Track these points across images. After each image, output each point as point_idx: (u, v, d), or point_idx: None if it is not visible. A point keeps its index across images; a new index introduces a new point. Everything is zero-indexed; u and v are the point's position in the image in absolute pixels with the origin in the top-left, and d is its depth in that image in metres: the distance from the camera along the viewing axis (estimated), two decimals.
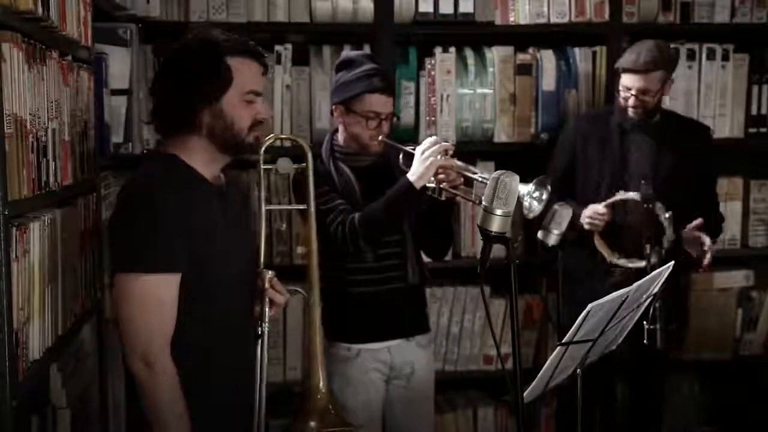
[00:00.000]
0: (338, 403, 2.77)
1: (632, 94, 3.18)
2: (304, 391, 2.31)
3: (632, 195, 3.11)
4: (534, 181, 2.49)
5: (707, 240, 3.11)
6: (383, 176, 2.75)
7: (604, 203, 3.15)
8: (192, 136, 2.11)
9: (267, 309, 2.21)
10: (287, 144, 3.49)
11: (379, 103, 2.77)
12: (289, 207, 2.46)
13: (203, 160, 2.13)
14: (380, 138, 2.78)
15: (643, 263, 3.04)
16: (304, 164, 2.39)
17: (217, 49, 2.09)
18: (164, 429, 2.01)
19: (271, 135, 2.44)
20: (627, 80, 3.19)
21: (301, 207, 2.39)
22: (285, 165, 2.38)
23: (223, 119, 2.09)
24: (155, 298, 2.00)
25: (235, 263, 2.14)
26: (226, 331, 2.12)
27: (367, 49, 3.49)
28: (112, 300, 2.08)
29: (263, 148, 2.34)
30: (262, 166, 2.35)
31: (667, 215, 3.03)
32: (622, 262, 3.19)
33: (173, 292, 2.03)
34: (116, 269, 2.05)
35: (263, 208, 2.33)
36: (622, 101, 3.23)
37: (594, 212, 3.15)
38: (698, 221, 3.11)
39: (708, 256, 3.11)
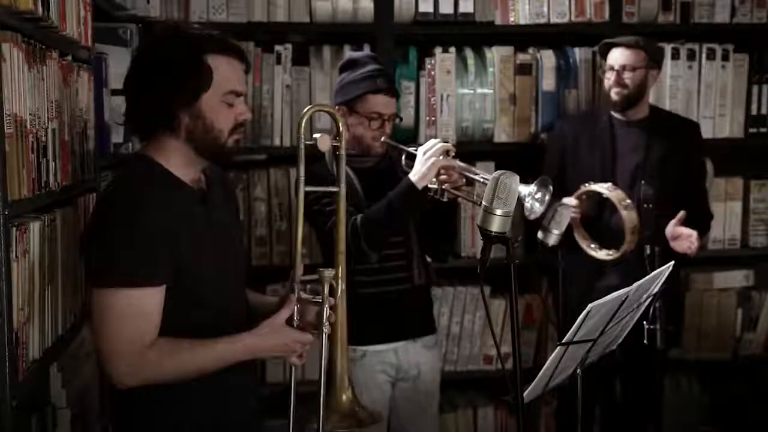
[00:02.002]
0: None
1: (615, 70, 3.26)
2: (328, 388, 2.20)
3: (597, 187, 3.13)
4: (536, 182, 2.49)
5: (690, 232, 3.12)
6: (386, 178, 2.75)
7: (574, 195, 3.18)
8: (170, 138, 2.01)
9: (326, 320, 2.09)
10: (287, 144, 3.52)
11: (382, 104, 2.77)
12: (326, 189, 2.33)
13: (181, 163, 2.03)
14: (383, 139, 2.78)
15: (616, 254, 3.11)
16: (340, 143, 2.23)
17: (197, 46, 1.98)
18: (196, 373, 1.98)
19: (311, 106, 2.28)
20: (611, 57, 3.30)
21: (334, 189, 2.23)
22: (325, 141, 2.21)
23: (202, 121, 1.99)
24: (135, 311, 1.92)
25: (221, 266, 2.07)
26: (215, 333, 2.02)
27: (367, 49, 3.49)
28: (91, 313, 1.98)
29: (303, 122, 2.17)
30: (303, 143, 2.17)
31: (646, 205, 3.06)
32: (601, 254, 3.22)
33: (155, 303, 1.95)
34: (94, 283, 1.96)
35: (302, 189, 2.16)
36: (606, 83, 3.31)
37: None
38: (680, 215, 3.13)
39: (693, 247, 3.12)
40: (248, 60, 2.11)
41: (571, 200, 3.18)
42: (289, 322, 2.08)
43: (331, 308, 2.12)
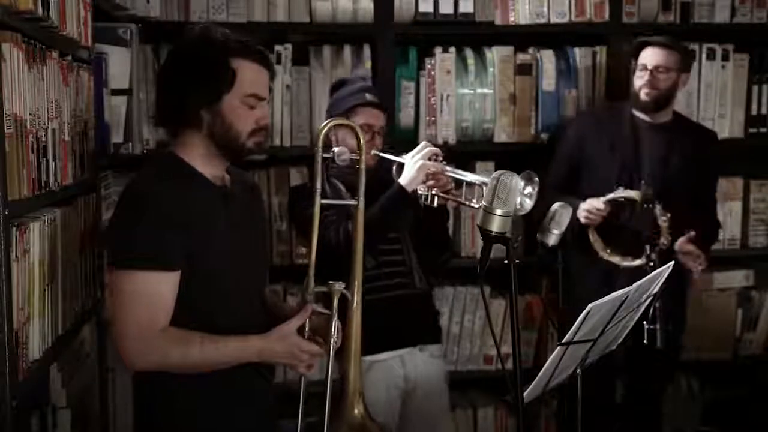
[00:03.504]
0: None
1: (648, 70, 3.23)
2: (342, 395, 2.22)
3: (634, 193, 3.11)
4: (519, 176, 2.49)
5: (699, 253, 3.12)
6: (376, 191, 2.74)
7: (603, 199, 3.15)
8: (193, 132, 2.08)
9: (334, 334, 2.13)
10: (287, 144, 3.52)
11: (371, 116, 2.82)
12: (343, 202, 2.35)
13: (203, 158, 2.10)
14: (372, 152, 2.79)
15: (637, 262, 3.05)
16: (358, 157, 2.27)
17: (223, 49, 2.06)
18: (203, 366, 2.02)
19: (330, 120, 2.33)
20: (645, 56, 3.26)
21: (353, 203, 2.29)
22: (345, 155, 2.27)
23: (222, 120, 2.06)
24: (148, 294, 1.97)
25: (240, 263, 2.10)
26: (229, 327, 2.06)
27: (366, 49, 3.52)
28: (108, 296, 2.07)
29: (323, 134, 2.22)
30: (321, 155, 2.22)
31: (664, 218, 3.04)
32: (617, 259, 3.19)
33: (168, 288, 2.00)
34: (111, 265, 2.04)
35: (318, 202, 2.21)
36: (637, 82, 3.27)
37: (592, 207, 3.15)
38: (691, 234, 3.12)
39: (698, 270, 3.14)
40: (273, 67, 2.17)
41: (599, 203, 3.15)
42: (300, 331, 2.10)
43: (344, 321, 2.14)
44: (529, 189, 2.48)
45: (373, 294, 2.76)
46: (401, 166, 2.73)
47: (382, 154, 2.82)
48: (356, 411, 2.20)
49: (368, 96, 2.84)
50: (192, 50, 2.09)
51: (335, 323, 2.13)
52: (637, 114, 3.33)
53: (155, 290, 1.98)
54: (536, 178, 2.47)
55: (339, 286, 2.14)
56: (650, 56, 3.25)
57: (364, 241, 2.60)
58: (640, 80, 3.26)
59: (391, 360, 2.85)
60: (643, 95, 3.25)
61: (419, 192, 2.66)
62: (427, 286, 2.91)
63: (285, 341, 2.08)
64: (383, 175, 2.82)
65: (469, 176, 2.59)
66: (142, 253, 1.97)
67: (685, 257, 3.13)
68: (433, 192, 2.67)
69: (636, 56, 3.31)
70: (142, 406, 2.13)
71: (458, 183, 2.68)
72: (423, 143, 2.73)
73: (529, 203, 2.49)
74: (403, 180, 2.65)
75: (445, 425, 3.01)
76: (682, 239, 3.12)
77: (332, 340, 2.12)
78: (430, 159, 2.65)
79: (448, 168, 2.66)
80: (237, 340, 2.04)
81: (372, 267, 2.73)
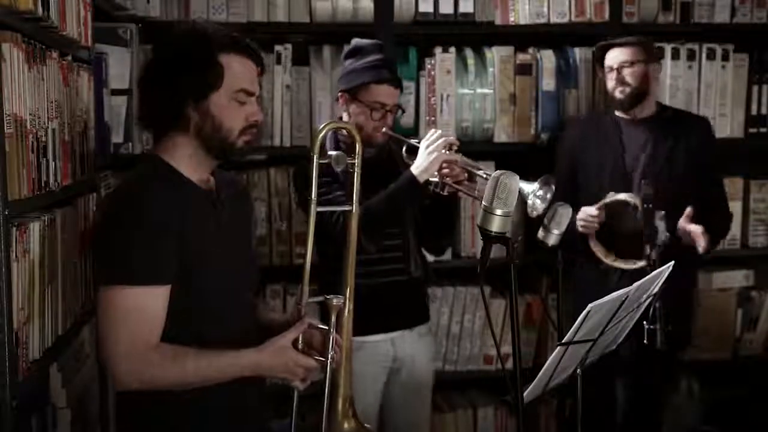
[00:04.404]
0: None
1: (616, 69, 3.26)
2: (331, 406, 2.18)
3: (624, 196, 3.10)
4: (539, 180, 2.49)
5: (696, 228, 3.05)
6: (385, 169, 2.73)
7: (596, 205, 3.14)
8: (179, 134, 2.00)
9: (331, 350, 2.08)
10: (287, 144, 3.52)
11: (385, 93, 2.76)
12: (337, 208, 2.31)
13: (190, 161, 2.01)
14: (384, 130, 2.76)
15: (640, 263, 3.04)
16: (355, 160, 2.23)
17: (210, 44, 1.97)
18: (197, 383, 1.96)
19: (327, 123, 2.25)
20: (609, 58, 3.30)
21: (347, 209, 2.24)
22: (340, 159, 2.20)
23: (211, 119, 1.97)
24: (140, 310, 1.89)
25: (228, 267, 2.04)
26: (219, 337, 2.00)
27: None
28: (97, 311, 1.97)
29: (319, 139, 2.15)
30: (317, 161, 2.14)
31: (660, 214, 3.03)
32: (619, 263, 3.18)
33: (160, 304, 1.92)
34: (100, 282, 1.95)
35: (313, 210, 2.15)
36: (609, 84, 3.29)
37: (587, 215, 3.14)
38: (687, 211, 3.07)
39: (701, 240, 3.04)
40: (264, 63, 2.09)
41: (592, 210, 3.13)
42: (293, 343, 2.05)
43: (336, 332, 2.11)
44: (542, 192, 2.48)
45: (369, 278, 2.74)
46: (411, 147, 2.71)
47: (393, 134, 2.78)
48: (347, 425, 2.17)
49: (384, 73, 2.76)
50: (176, 46, 2.00)
51: (333, 338, 2.09)
52: (618, 114, 3.34)
53: (148, 306, 1.91)
54: (553, 185, 2.48)
55: (337, 300, 2.11)
56: (612, 57, 3.29)
57: (369, 230, 2.59)
58: (611, 82, 3.29)
59: (382, 342, 2.85)
60: (618, 94, 3.27)
61: (429, 179, 2.62)
62: (423, 272, 2.90)
63: (280, 355, 2.02)
64: (393, 155, 2.79)
65: (483, 170, 2.57)
66: (135, 268, 1.89)
67: (686, 237, 3.07)
68: (445, 181, 2.64)
69: (601, 63, 3.34)
70: (126, 419, 2.06)
71: (470, 176, 2.66)
72: (438, 131, 2.67)
73: (541, 205, 2.49)
74: (415, 169, 2.61)
75: (425, 399, 3.00)
76: (681, 220, 3.07)
77: (330, 355, 2.08)
78: (444, 149, 2.61)
79: (463, 159, 2.62)
80: (231, 355, 1.97)
81: (372, 252, 2.71)
